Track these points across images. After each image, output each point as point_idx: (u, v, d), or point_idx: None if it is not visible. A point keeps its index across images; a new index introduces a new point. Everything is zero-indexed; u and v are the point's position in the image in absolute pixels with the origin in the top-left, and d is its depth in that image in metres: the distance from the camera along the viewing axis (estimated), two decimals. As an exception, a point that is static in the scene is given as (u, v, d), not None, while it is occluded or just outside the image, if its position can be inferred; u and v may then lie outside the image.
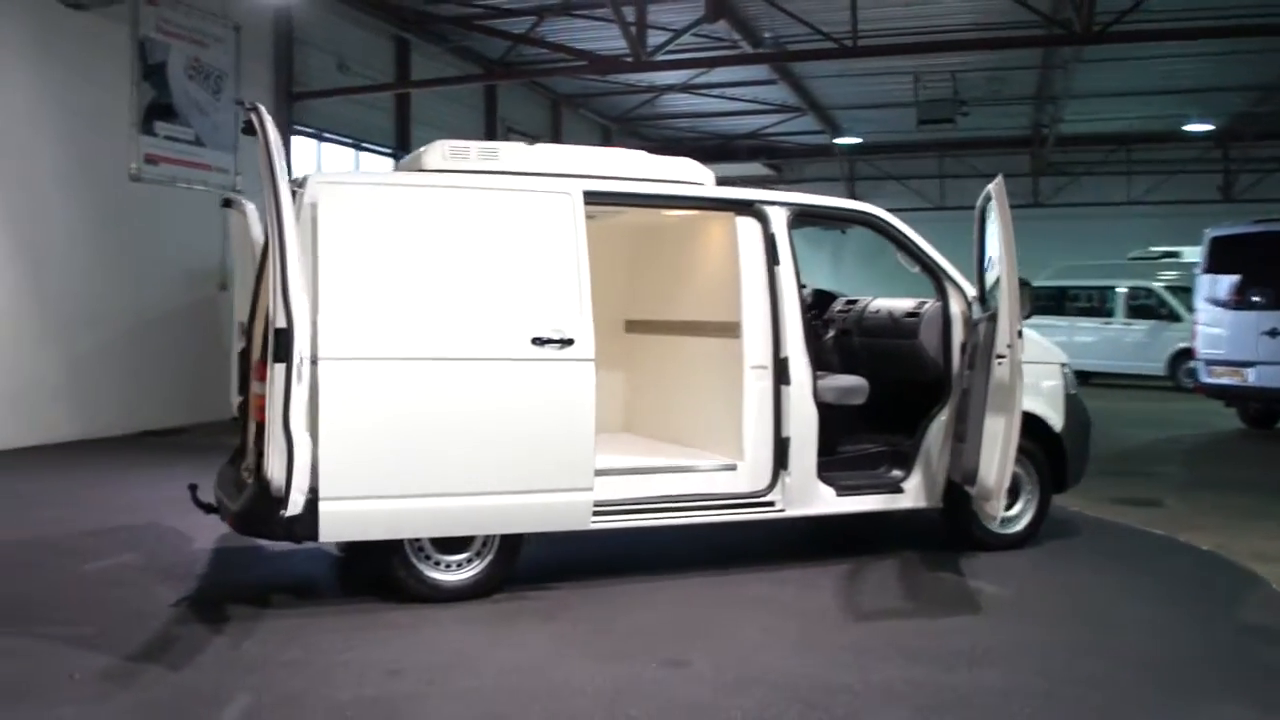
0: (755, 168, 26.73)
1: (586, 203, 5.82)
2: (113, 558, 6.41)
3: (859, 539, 6.95)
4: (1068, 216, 25.75)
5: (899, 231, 6.63)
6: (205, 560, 6.37)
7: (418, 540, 5.50)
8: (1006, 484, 5.91)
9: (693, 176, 6.37)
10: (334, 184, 5.49)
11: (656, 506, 5.95)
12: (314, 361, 5.05)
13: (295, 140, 15.20)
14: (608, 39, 17.08)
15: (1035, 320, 20.45)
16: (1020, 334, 5.90)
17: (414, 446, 5.31)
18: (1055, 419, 6.87)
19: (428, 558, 5.54)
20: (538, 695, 4.33)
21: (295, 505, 4.63)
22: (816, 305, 7.80)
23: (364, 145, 17.15)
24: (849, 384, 6.72)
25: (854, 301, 7.84)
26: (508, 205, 5.70)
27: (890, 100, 21.32)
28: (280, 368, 4.57)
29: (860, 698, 4.34)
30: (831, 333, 7.59)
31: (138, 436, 11.72)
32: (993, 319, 6.02)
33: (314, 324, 5.05)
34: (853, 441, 6.86)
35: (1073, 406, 7.01)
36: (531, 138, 22.26)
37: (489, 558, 5.63)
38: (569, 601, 5.65)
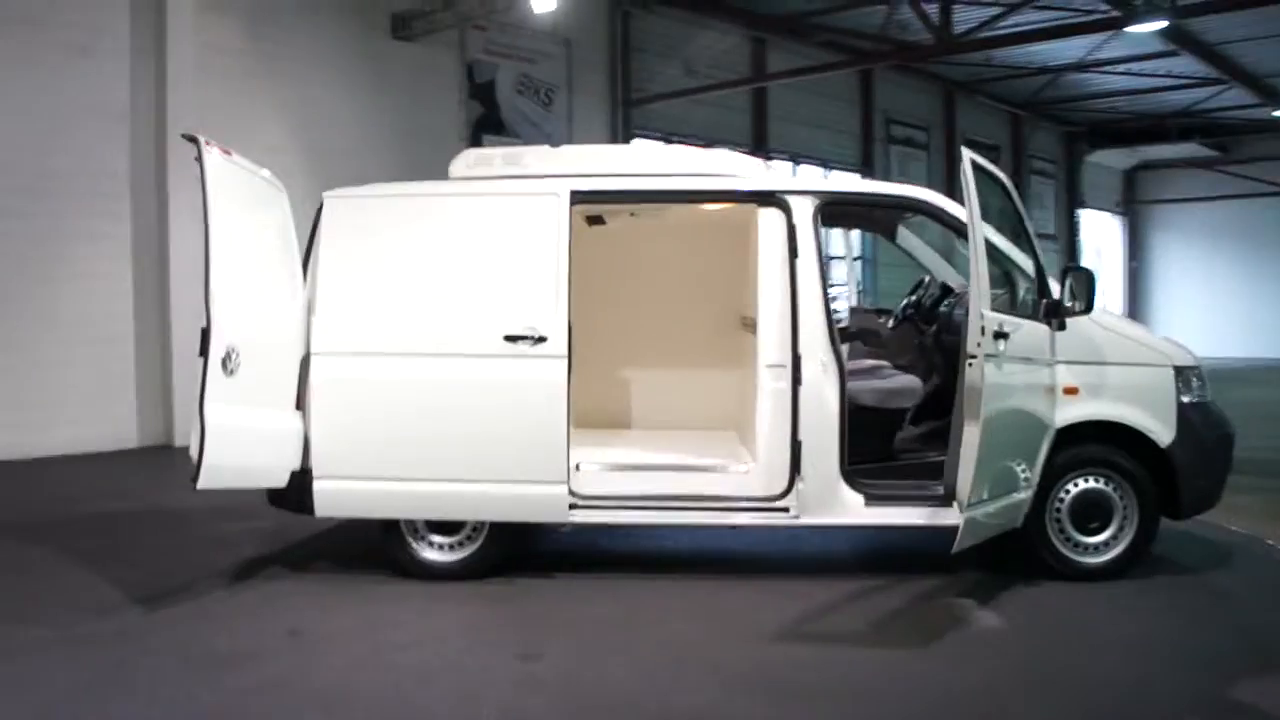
0: (1191, 148, 24.02)
1: (583, 202, 5.92)
2: (256, 522, 7.20)
3: (928, 556, 6.34)
4: None
5: (956, 219, 6.00)
6: (315, 529, 7.04)
7: (413, 521, 5.92)
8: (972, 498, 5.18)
9: (726, 170, 6.19)
10: (339, 198, 6.07)
11: (650, 505, 5.90)
12: (308, 355, 5.78)
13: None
14: (962, 22, 16.47)
15: None
16: (990, 333, 5.15)
17: (397, 433, 5.77)
18: (1159, 430, 5.84)
19: (422, 538, 5.95)
20: (358, 666, 4.64)
21: (205, 482, 5.19)
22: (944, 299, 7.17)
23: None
24: (894, 385, 6.19)
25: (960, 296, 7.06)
26: (498, 209, 5.96)
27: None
28: (201, 360, 5.18)
29: None
30: (933, 329, 6.95)
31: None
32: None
33: (308, 324, 5.82)
34: (921, 448, 6.31)
35: (1192, 416, 5.93)
36: (922, 129, 21.74)
37: (479, 542, 5.93)
38: (535, 591, 5.81)
